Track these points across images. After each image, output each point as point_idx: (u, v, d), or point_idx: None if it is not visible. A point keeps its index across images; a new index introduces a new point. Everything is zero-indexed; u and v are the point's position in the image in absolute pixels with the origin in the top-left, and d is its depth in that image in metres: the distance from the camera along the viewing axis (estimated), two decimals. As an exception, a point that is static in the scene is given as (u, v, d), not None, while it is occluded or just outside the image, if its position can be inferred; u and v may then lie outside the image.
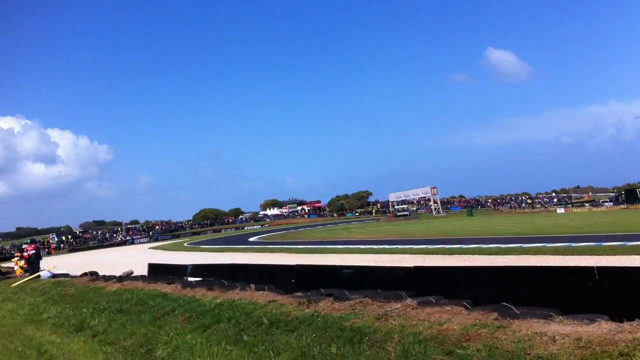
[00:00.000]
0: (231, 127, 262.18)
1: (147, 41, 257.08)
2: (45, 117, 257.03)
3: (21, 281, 22.68)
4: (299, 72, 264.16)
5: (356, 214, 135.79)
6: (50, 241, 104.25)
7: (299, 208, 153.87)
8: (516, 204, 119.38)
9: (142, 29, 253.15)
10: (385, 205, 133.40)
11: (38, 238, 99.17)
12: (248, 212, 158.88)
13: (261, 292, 10.28)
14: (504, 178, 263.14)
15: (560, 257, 19.27)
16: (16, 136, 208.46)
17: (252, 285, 10.95)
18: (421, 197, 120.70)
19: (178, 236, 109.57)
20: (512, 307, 6.20)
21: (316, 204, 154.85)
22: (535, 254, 20.86)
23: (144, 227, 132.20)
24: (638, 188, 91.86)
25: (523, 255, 20.82)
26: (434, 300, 7.28)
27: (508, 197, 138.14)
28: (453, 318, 6.40)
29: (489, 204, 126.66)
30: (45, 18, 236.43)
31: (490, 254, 22.34)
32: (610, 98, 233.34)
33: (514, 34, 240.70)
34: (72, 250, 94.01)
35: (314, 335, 7.05)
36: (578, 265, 8.87)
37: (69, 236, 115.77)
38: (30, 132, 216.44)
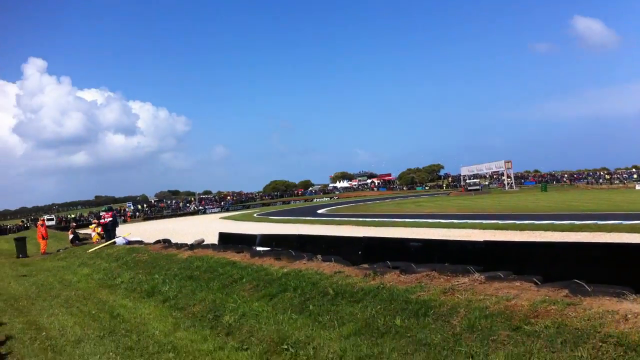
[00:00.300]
0: (304, 100, 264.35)
1: (223, 19, 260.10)
2: (127, 89, 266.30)
3: (97, 247, 23.57)
4: (373, 46, 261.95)
5: (426, 188, 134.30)
6: (127, 209, 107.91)
7: (369, 181, 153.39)
8: (593, 180, 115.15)
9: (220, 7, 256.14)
10: (457, 179, 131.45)
11: (115, 206, 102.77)
12: (318, 185, 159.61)
13: (328, 263, 10.33)
14: (582, 152, 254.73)
15: (637, 235, 18.60)
16: (99, 108, 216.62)
17: (319, 256, 11.01)
18: (494, 172, 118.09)
19: (248, 207, 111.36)
20: (583, 284, 6.01)
21: (386, 177, 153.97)
22: (611, 232, 20.19)
23: (216, 197, 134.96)
24: None
25: (598, 233, 20.17)
26: (502, 276, 7.14)
27: (585, 173, 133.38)
28: (521, 294, 6.26)
29: (564, 179, 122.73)
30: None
31: (563, 231, 21.75)
32: None
33: (603, 1, 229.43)
34: (147, 218, 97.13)
35: (378, 307, 7.05)
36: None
37: (145, 205, 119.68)
38: (113, 104, 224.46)
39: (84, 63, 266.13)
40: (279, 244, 16.29)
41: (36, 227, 42.05)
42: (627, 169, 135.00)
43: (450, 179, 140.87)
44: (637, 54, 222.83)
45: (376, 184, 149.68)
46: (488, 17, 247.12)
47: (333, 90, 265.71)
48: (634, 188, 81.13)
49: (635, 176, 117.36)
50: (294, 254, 11.90)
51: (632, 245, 8.07)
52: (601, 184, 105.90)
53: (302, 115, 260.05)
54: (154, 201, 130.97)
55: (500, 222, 28.00)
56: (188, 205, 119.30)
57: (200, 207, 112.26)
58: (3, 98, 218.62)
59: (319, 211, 63.48)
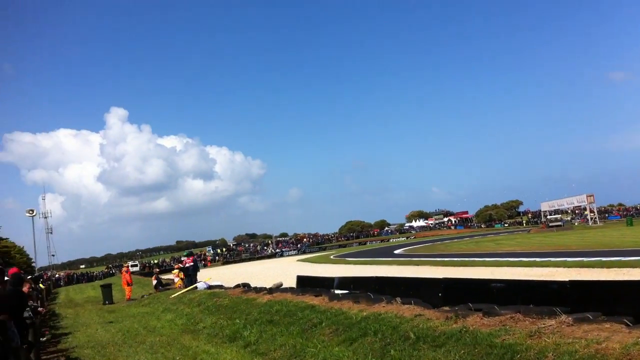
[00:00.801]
0: (375, 139, 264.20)
1: (296, 63, 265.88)
2: (204, 135, 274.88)
3: (180, 292, 24.08)
4: (441, 81, 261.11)
5: (505, 225, 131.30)
6: (207, 253, 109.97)
7: (445, 219, 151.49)
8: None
9: (294, 52, 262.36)
10: (537, 215, 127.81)
11: (195, 251, 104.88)
12: (393, 224, 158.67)
13: (407, 305, 10.20)
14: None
15: None
16: (178, 154, 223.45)
17: (398, 299, 10.89)
18: (576, 206, 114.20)
19: (324, 248, 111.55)
20: (680, 326, 5.72)
21: (463, 215, 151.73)
22: None
23: (293, 239, 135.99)
24: None
25: (692, 269, 19.23)
26: (591, 317, 6.87)
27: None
28: (612, 336, 6.00)
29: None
30: (198, 46, 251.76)
31: (653, 267, 20.80)
32: None
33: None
34: (226, 262, 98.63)
35: (462, 351, 6.89)
36: None
37: (224, 249, 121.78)
38: (191, 150, 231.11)
39: (162, 111, 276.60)
40: (357, 287, 16.23)
41: (121, 273, 43.43)
42: None
43: (529, 215, 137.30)
44: None
45: (453, 222, 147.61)
46: (564, 46, 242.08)
47: (405, 129, 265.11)
48: None
49: None
50: (372, 296, 11.80)
51: None
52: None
53: (375, 155, 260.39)
54: (233, 245, 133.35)
55: (585, 259, 26.99)
56: (265, 248, 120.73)
57: (277, 250, 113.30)
58: (88, 148, 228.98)
59: (396, 251, 62.95)
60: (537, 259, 30.52)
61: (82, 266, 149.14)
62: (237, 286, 21.13)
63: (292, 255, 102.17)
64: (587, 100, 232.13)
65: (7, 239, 52.89)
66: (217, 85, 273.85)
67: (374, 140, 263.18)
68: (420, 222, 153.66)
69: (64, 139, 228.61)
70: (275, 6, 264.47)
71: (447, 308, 9.61)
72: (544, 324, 7.03)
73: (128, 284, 29.83)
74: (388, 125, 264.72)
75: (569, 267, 24.08)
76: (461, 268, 29.72)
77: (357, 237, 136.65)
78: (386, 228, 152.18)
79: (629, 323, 6.36)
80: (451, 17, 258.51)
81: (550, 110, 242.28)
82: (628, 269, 21.33)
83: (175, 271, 29.98)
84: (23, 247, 62.44)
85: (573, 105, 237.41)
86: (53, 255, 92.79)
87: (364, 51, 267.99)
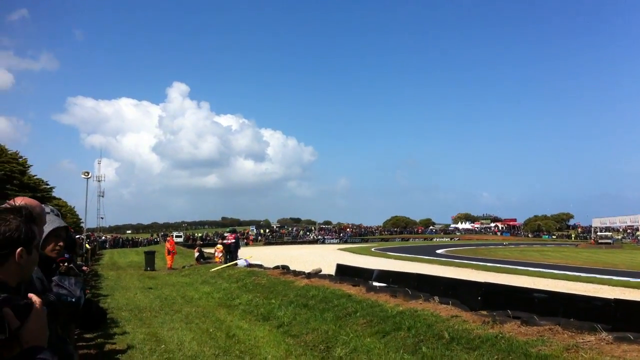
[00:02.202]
0: (431, 137, 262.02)
1: (352, 53, 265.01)
2: (261, 117, 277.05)
3: (220, 267, 24.38)
4: (508, 91, 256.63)
5: (553, 237, 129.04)
6: (250, 233, 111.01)
7: (492, 225, 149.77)
8: None
9: (352, 43, 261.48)
10: (587, 230, 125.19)
11: (239, 229, 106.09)
12: (439, 224, 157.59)
13: (445, 305, 10.11)
14: None
15: None
16: (233, 133, 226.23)
17: (436, 298, 10.81)
18: (629, 226, 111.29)
19: (366, 240, 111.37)
20: None
21: (511, 222, 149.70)
22: None
23: (336, 228, 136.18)
24: None
25: None
26: (632, 338, 6.69)
27: None
28: (653, 359, 5.83)
29: None
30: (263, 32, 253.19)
31: None
32: None
33: None
34: (268, 243, 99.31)
35: (495, 357, 6.81)
36: None
37: (267, 230, 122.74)
38: (246, 130, 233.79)
39: (223, 90, 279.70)
40: (396, 281, 16.15)
41: (165, 242, 44.25)
42: None
43: (579, 229, 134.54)
44: None
45: (500, 228, 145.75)
46: (622, 64, 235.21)
47: (460, 130, 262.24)
48: None
49: None
50: (410, 292, 11.74)
51: None
52: None
53: (428, 153, 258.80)
54: (276, 227, 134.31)
55: (631, 279, 26.31)
56: (308, 233, 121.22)
57: (320, 237, 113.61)
58: (147, 118, 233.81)
59: (438, 251, 62.41)
60: (582, 274, 29.90)
61: (129, 232, 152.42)
62: (276, 267, 21.27)
63: (333, 243, 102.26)
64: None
65: (60, 198, 54.36)
66: (277, 72, 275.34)
67: (428, 138, 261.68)
68: (466, 225, 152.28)
69: (125, 107, 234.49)
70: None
71: (485, 312, 9.50)
72: (582, 339, 6.89)
73: (170, 253, 30.38)
74: (444, 124, 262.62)
75: (613, 286, 23.51)
76: (503, 275, 29.27)
77: (401, 232, 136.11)
78: (431, 227, 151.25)
79: (671, 348, 6.18)
80: (533, 16, 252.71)
81: (615, 127, 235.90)
82: (677, 293, 20.73)
83: (219, 246, 30.36)
84: (74, 207, 64.10)
85: (634, 124, 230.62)
86: (102, 218, 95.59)
87: (429, 44, 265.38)
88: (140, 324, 12.01)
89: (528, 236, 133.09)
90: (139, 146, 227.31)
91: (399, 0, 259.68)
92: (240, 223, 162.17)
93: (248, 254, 29.72)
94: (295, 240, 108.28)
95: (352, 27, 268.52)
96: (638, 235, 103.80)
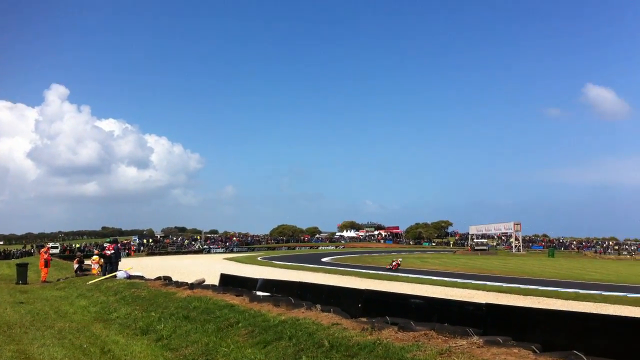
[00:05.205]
0: (317, 146, 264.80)
1: (241, 64, 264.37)
2: (145, 122, 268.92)
3: (98, 279, 23.44)
4: (390, 102, 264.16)
5: (433, 244, 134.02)
6: (132, 243, 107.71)
7: (376, 232, 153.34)
8: (602, 249, 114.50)
9: (239, 49, 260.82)
10: (465, 237, 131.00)
11: (121, 239, 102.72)
12: (325, 232, 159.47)
13: (326, 313, 10.21)
14: (591, 220, 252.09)
15: (641, 309, 18.49)
16: (115, 139, 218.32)
17: (318, 306, 10.89)
18: (503, 233, 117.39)
19: (253, 249, 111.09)
20: (582, 356, 5.89)
21: (394, 230, 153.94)
22: (615, 304, 20.12)
23: (222, 237, 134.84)
24: None
25: (601, 304, 20.10)
26: (501, 341, 7.01)
27: (594, 241, 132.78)
28: (518, 361, 6.14)
29: (572, 246, 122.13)
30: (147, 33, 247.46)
31: (567, 299, 21.65)
32: None
33: (616, 71, 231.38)
34: (151, 253, 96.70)
35: (373, 363, 6.92)
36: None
37: (150, 240, 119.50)
38: (129, 136, 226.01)
39: (104, 94, 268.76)
40: (280, 290, 16.19)
41: (39, 253, 42.07)
42: (636, 240, 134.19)
43: (457, 236, 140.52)
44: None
45: (383, 235, 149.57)
46: (502, 79, 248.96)
47: (346, 139, 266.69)
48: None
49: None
50: (293, 301, 11.78)
51: (634, 320, 7.96)
52: (609, 253, 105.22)
53: (314, 162, 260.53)
54: (160, 236, 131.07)
55: (504, 285, 27.79)
56: (193, 243, 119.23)
57: (205, 246, 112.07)
58: (22, 122, 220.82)
59: (324, 259, 63.18)
60: (459, 280, 31.23)
61: (0, 242, 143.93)
62: (158, 278, 20.78)
63: (219, 252, 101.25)
64: (523, 133, 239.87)
65: None
66: (162, 74, 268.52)
67: (314, 147, 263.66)
68: (351, 233, 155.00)
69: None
70: None
71: (364, 319, 9.67)
72: (455, 343, 7.13)
73: (45, 266, 28.87)
74: (329, 134, 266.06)
75: (487, 291, 24.69)
76: (385, 282, 30.06)
77: (287, 241, 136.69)
78: (317, 235, 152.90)
79: (536, 350, 6.53)
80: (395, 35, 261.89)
81: (487, 139, 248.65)
82: (543, 298, 22.05)
83: (95, 257, 29.21)
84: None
85: (509, 138, 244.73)
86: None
87: (318, 52, 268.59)
88: (8, 341, 11.28)
89: (410, 243, 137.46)
90: (13, 151, 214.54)
91: (260, 9, 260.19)
92: (122, 233, 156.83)
93: (129, 265, 28.78)
94: (180, 250, 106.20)
95: (234, 32, 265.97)
96: (511, 242, 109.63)
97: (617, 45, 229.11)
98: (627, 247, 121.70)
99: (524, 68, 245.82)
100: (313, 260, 59.19)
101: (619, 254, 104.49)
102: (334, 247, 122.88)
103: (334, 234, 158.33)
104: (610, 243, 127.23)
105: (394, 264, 42.95)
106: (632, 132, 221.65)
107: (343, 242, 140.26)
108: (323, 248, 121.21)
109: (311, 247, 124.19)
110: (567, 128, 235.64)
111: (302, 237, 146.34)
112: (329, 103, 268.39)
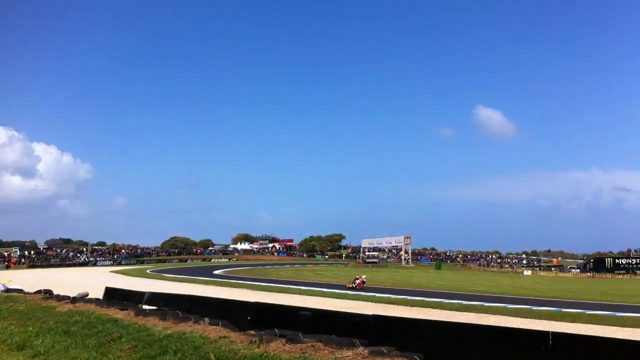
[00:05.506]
0: (211, 158, 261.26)
1: (138, 68, 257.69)
2: (33, 130, 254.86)
3: (-27, 293, 22.06)
4: (285, 110, 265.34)
5: (326, 257, 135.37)
6: (12, 254, 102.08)
7: (270, 245, 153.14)
8: (485, 262, 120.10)
9: (136, 55, 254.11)
10: (357, 250, 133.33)
11: (1, 250, 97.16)
12: (218, 245, 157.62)
13: (214, 326, 10.07)
14: (476, 234, 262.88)
15: (519, 319, 19.48)
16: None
17: (206, 319, 10.73)
18: (394, 246, 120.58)
19: (143, 262, 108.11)
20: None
21: (288, 243, 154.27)
22: (495, 314, 21.01)
23: (110, 249, 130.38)
24: (607, 257, 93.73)
25: (483, 314, 20.93)
26: (385, 351, 7.16)
27: (478, 254, 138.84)
28: (401, 371, 6.28)
29: (458, 259, 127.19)
30: (40, 32, 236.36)
31: (450, 310, 22.44)
32: (593, 165, 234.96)
33: (505, 94, 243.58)
34: (32, 266, 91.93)
35: (258, 376, 6.87)
36: (533, 329, 8.83)
37: (32, 251, 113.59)
38: (15, 144, 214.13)
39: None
40: (168, 304, 15.85)
41: None
42: (517, 254, 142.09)
43: (350, 249, 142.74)
44: (532, 147, 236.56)
45: (277, 248, 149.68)
46: (398, 96, 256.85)
47: (240, 151, 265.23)
48: (522, 273, 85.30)
49: (524, 262, 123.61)
50: (180, 315, 11.55)
51: (512, 330, 8.35)
52: (492, 266, 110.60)
53: (209, 174, 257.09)
54: (43, 248, 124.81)
55: (392, 296, 28.47)
56: (79, 255, 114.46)
57: (92, 259, 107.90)
58: None
59: (216, 272, 62.37)
60: (349, 292, 31.71)
61: None
62: (38, 292, 19.80)
63: (106, 265, 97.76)
64: (417, 150, 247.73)
65: None
66: (51, 78, 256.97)
67: (208, 159, 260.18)
68: (245, 245, 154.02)
69: None
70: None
71: (253, 332, 9.60)
72: (341, 354, 7.22)
73: None
74: (223, 147, 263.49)
75: (376, 302, 25.21)
76: (277, 294, 30.02)
77: (179, 253, 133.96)
78: (210, 248, 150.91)
79: (417, 359, 6.70)
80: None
81: (379, 154, 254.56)
82: (429, 309, 22.76)
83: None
84: None
85: (403, 154, 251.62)
86: None
87: (211, 65, 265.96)
88: None
89: (303, 256, 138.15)
90: None
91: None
92: (2, 244, 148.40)
93: (7, 278, 27.28)
94: (64, 262, 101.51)
95: (123, 41, 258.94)
96: (401, 255, 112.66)
97: (508, 69, 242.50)
98: (508, 260, 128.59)
99: (418, 89, 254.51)
100: (205, 273, 58.32)
101: (501, 267, 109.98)
102: (227, 260, 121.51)
103: (227, 246, 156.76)
104: (494, 256, 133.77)
105: (357, 282, 36.79)
106: (518, 152, 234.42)
107: (237, 254, 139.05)
108: (216, 260, 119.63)
109: (204, 260, 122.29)
110: (457, 147, 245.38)
111: (194, 250, 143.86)
112: (219, 116, 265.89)
